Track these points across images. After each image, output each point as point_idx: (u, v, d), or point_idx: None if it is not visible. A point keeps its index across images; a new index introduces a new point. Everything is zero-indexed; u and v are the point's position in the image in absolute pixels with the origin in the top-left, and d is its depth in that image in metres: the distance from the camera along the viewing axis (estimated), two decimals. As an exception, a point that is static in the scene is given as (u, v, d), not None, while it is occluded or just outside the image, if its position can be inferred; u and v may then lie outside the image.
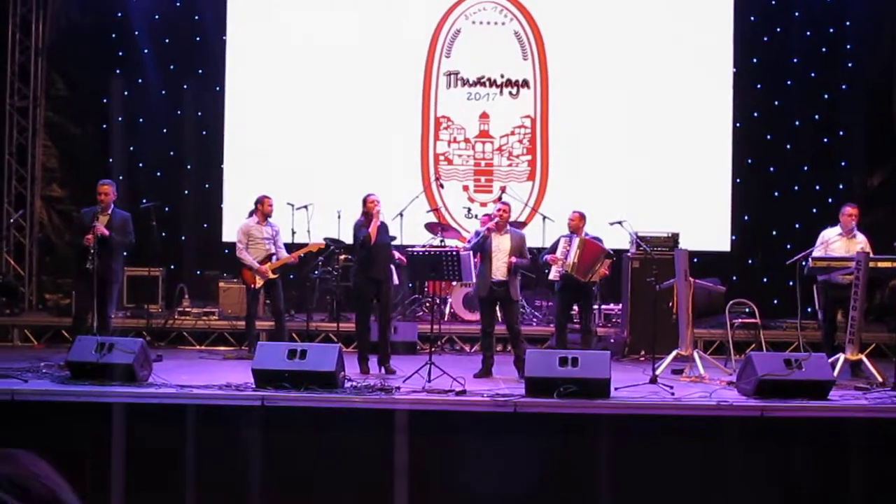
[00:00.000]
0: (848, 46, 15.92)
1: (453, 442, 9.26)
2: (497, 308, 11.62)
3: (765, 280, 15.61)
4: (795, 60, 16.04)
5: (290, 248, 12.81)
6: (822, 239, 11.93)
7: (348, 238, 12.92)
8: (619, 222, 12.62)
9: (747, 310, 12.85)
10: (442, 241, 14.17)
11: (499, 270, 11.29)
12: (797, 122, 16.03)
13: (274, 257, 12.35)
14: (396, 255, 11.93)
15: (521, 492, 9.02)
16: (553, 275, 11.95)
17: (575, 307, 12.31)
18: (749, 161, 16.05)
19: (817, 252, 11.74)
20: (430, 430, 9.25)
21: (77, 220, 11.96)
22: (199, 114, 16.09)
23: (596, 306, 14.00)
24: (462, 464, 9.11)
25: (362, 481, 9.00)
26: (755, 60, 16.07)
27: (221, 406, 9.35)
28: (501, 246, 11.33)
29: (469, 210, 15.89)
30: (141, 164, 15.92)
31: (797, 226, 15.64)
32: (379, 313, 11.62)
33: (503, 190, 15.18)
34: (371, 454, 9.04)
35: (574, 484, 9.09)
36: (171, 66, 16.03)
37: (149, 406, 9.34)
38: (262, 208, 12.45)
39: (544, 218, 14.47)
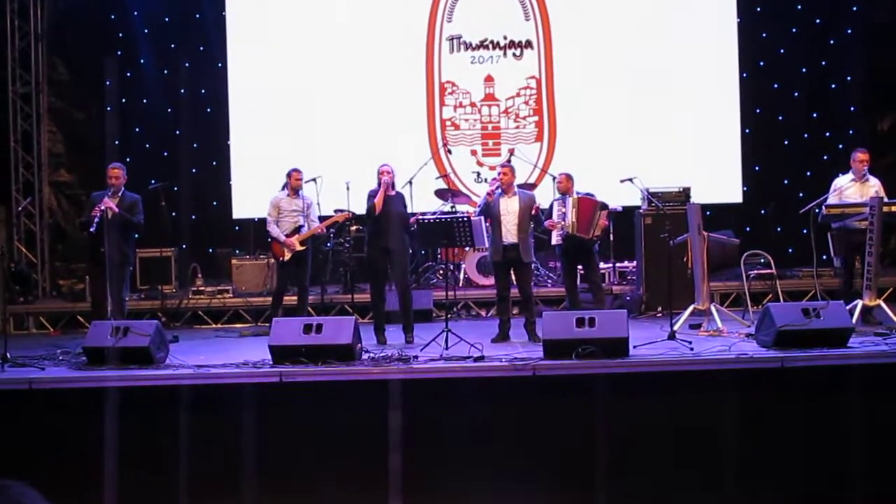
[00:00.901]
0: (852, -10, 15.81)
1: (473, 407, 9.24)
2: (511, 271, 11.54)
3: (778, 229, 15.51)
4: (799, 7, 15.92)
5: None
6: (836, 186, 11.85)
7: (360, 209, 12.85)
8: (630, 179, 12.59)
9: (762, 260, 12.79)
10: (453, 206, 14.13)
11: (509, 233, 11.20)
12: (804, 70, 15.91)
13: (303, 229, 12.25)
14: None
15: (544, 455, 9.03)
16: (555, 239, 11.98)
17: (580, 267, 12.28)
18: (757, 111, 15.95)
19: (831, 200, 11.68)
20: (449, 397, 9.23)
21: (88, 204, 11.89)
22: (203, 91, 16.03)
23: (609, 264, 14.00)
24: (482, 429, 9.11)
25: (382, 452, 8.98)
26: (759, 9, 15.94)
27: (240, 384, 9.33)
28: (510, 208, 11.23)
29: (478, 174, 15.83)
30: (147, 146, 15.85)
31: (808, 173, 15.58)
32: (396, 283, 11.56)
33: (511, 152, 15.09)
34: (389, 424, 9.00)
35: (598, 443, 9.06)
36: (172, 45, 15.96)
37: (167, 388, 9.31)
38: (290, 182, 12.34)
39: (554, 178, 14.40)
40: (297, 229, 12.20)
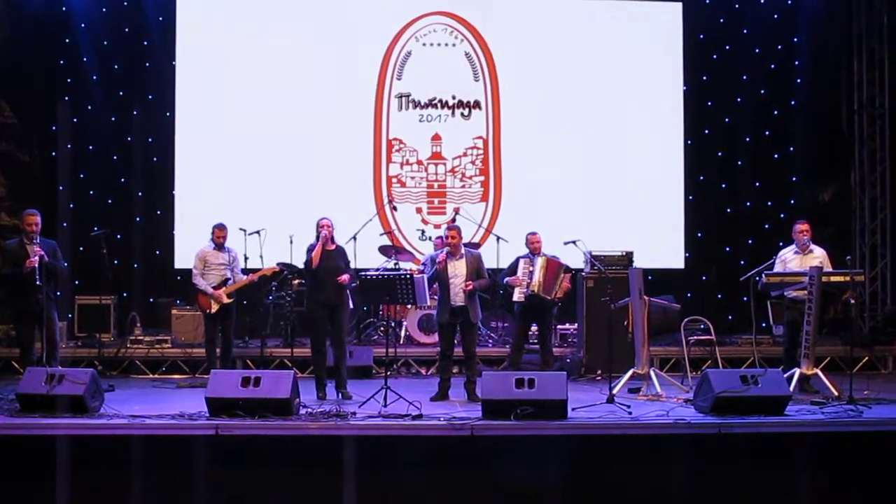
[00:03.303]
0: (796, 63, 16.07)
1: (410, 466, 9.18)
2: (457, 331, 11.48)
3: (719, 296, 15.68)
4: (745, 78, 16.16)
5: (245, 273, 12.63)
6: (781, 257, 11.94)
7: (301, 262, 12.79)
8: (574, 242, 12.60)
9: (702, 326, 12.85)
10: (396, 263, 14.12)
11: (458, 296, 11.18)
12: (748, 139, 16.13)
13: (229, 282, 12.23)
14: (344, 276, 11.53)
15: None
16: (517, 296, 11.93)
17: (535, 328, 12.29)
18: (701, 178, 16.14)
19: (776, 269, 11.76)
20: (385, 455, 9.18)
21: (7, 252, 11.62)
22: (150, 140, 15.93)
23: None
24: (419, 489, 9.06)
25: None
26: (705, 78, 16.18)
27: (174, 436, 9.21)
28: (458, 270, 11.24)
29: (423, 232, 15.86)
30: (92, 192, 15.73)
31: (749, 242, 15.77)
32: (333, 338, 11.49)
33: (457, 211, 15.16)
34: (327, 481, 8.94)
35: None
36: (121, 92, 15.88)
37: (100, 437, 9.17)
38: (213, 237, 12.32)
39: (498, 238, 14.44)
40: (224, 282, 12.20)
